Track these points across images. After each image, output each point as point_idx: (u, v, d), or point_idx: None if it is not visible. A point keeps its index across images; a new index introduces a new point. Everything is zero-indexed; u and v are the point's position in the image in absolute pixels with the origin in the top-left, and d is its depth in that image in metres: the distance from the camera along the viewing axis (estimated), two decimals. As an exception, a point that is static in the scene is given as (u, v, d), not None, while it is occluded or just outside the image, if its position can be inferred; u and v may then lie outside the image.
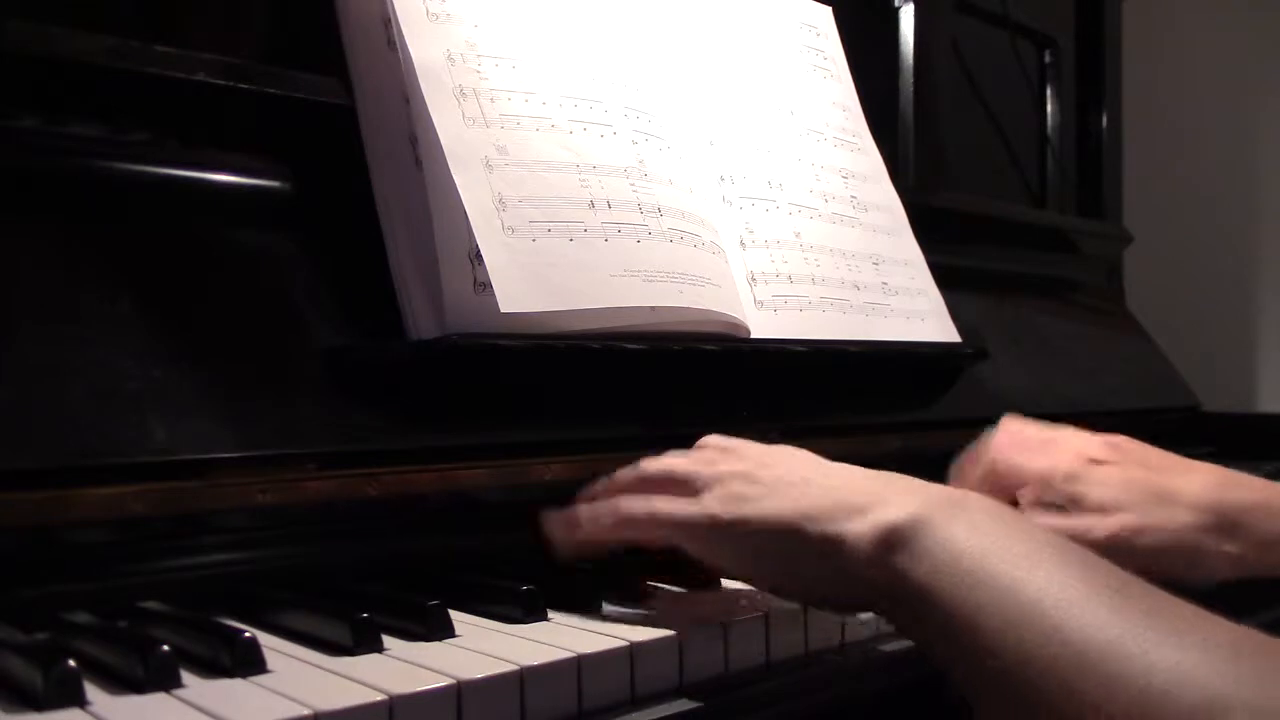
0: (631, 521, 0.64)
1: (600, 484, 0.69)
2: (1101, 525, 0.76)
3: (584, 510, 0.66)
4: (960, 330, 1.13)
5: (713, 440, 0.70)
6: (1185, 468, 0.82)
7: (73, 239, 0.71)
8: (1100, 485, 0.79)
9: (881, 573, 0.56)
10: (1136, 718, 0.45)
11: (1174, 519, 0.77)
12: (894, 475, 0.61)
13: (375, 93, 0.82)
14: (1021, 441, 0.84)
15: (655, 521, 0.63)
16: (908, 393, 1.11)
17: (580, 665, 0.55)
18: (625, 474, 0.68)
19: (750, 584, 0.66)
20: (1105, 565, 0.53)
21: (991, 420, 0.91)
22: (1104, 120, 1.71)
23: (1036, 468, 0.81)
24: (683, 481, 0.65)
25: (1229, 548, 0.77)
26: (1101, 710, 0.46)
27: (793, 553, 0.59)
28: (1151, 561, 0.73)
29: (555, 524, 0.67)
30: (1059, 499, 0.80)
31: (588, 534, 0.66)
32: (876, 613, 0.61)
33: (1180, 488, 0.79)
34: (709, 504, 0.62)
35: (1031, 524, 0.57)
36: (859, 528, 0.57)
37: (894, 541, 0.55)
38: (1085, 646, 0.47)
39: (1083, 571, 0.52)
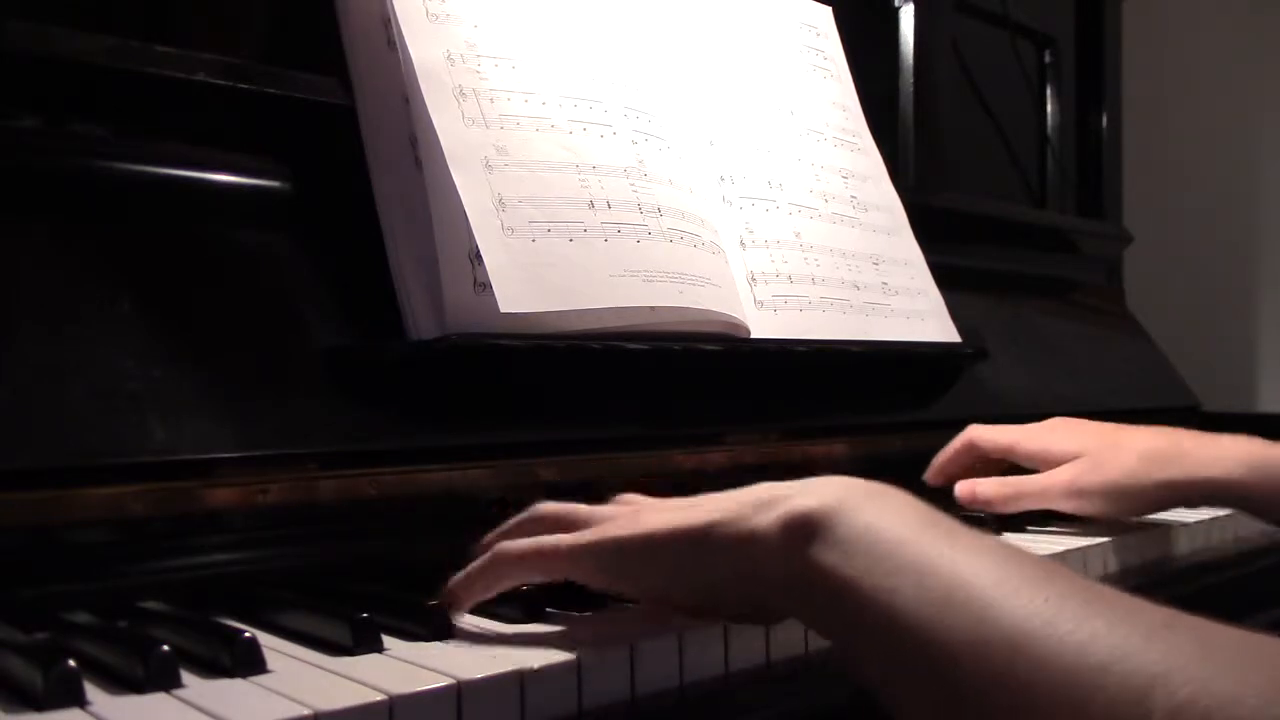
0: (514, 562, 0.60)
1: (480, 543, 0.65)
2: (1063, 471, 0.91)
3: (458, 577, 0.61)
4: (960, 330, 1.13)
5: (622, 496, 0.67)
6: (1137, 428, 0.96)
7: (73, 239, 0.71)
8: (1063, 437, 0.94)
9: (794, 565, 0.53)
10: (1068, 697, 0.43)
11: (1119, 459, 0.90)
12: (807, 479, 0.58)
13: (375, 93, 0.82)
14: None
15: (541, 555, 0.59)
16: (908, 393, 1.11)
17: (580, 665, 0.55)
18: (509, 524, 0.64)
19: (657, 601, 0.62)
20: (1027, 554, 0.51)
21: (992, 421, 0.93)
22: (1104, 120, 1.71)
23: (1009, 436, 0.95)
24: (575, 520, 0.62)
25: (1162, 475, 0.90)
26: (1034, 690, 0.44)
27: (702, 558, 0.56)
28: (1107, 497, 0.90)
29: (443, 604, 0.61)
30: (1028, 459, 0.94)
31: (468, 597, 0.61)
32: (793, 613, 0.57)
33: (1126, 435, 0.93)
34: (607, 528, 0.59)
35: (947, 516, 0.54)
36: (767, 520, 0.54)
37: (806, 531, 0.53)
38: (1016, 628, 0.45)
39: (1004, 555, 0.50)
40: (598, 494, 0.71)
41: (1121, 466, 0.90)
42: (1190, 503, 0.94)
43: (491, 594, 0.61)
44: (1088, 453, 0.91)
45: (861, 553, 0.51)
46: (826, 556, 0.52)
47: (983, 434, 0.97)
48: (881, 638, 0.49)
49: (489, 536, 0.64)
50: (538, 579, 0.62)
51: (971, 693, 0.46)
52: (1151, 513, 0.95)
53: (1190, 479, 0.90)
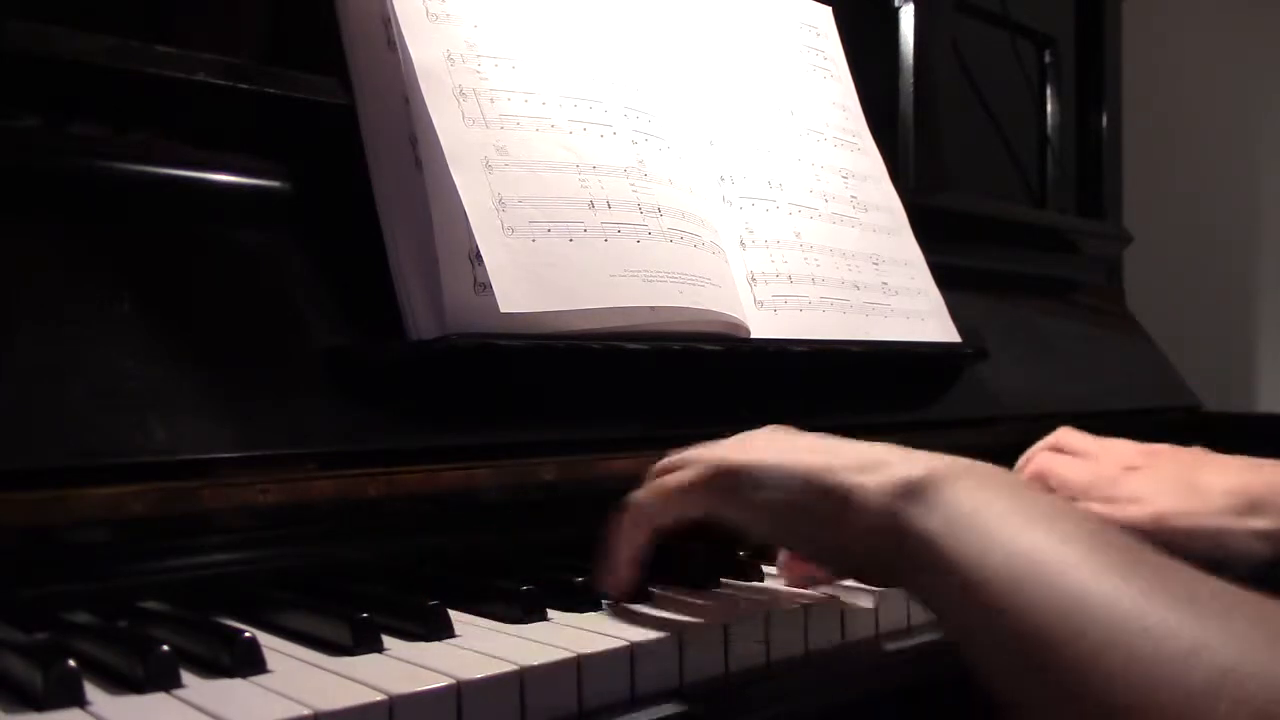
0: (646, 506, 0.65)
1: None
2: (1137, 511, 0.82)
3: (609, 541, 0.66)
4: (960, 330, 1.13)
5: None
6: (1214, 461, 0.88)
7: (73, 239, 0.71)
8: (1134, 485, 0.85)
9: (892, 523, 0.56)
10: (1145, 680, 0.45)
11: (1202, 504, 0.82)
12: (890, 445, 0.62)
13: (375, 93, 0.82)
14: (1068, 455, 0.92)
15: (667, 493, 0.64)
16: (908, 393, 1.11)
17: (580, 665, 0.55)
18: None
19: (760, 537, 0.67)
20: (1118, 534, 0.53)
21: (992, 420, 0.93)
22: (1104, 120, 1.71)
23: (1079, 479, 0.87)
24: (687, 459, 0.66)
25: (1258, 524, 0.81)
26: (1112, 671, 0.45)
27: (807, 500, 0.60)
28: (1185, 545, 0.78)
29: (601, 578, 0.67)
30: (1098, 503, 0.86)
31: (622, 554, 0.66)
32: (880, 568, 0.61)
33: (1208, 477, 0.85)
34: (718, 457, 0.64)
35: (1045, 494, 0.58)
36: (875, 479, 0.57)
37: (909, 493, 0.56)
38: (1100, 609, 0.47)
39: (1100, 538, 0.51)
40: (598, 494, 0.71)
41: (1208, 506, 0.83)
42: None
43: (638, 547, 0.65)
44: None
45: (959, 522, 0.54)
46: (926, 522, 0.55)
47: (1054, 467, 0.91)
48: (971, 605, 0.52)
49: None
50: (666, 521, 0.65)
51: (1059, 673, 0.47)
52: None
53: None
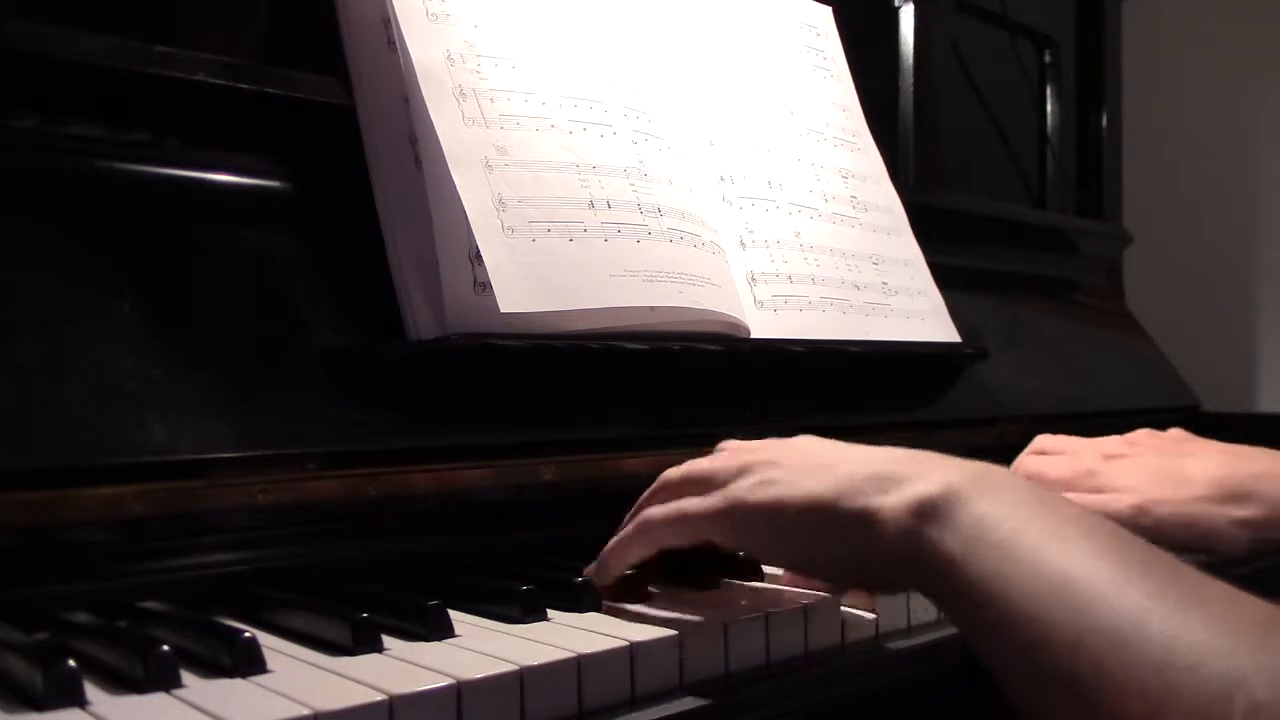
0: (659, 527, 0.65)
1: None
2: (1118, 501, 0.82)
3: (611, 544, 0.67)
4: (960, 330, 1.13)
5: (730, 443, 0.70)
6: (1197, 448, 0.88)
7: (72, 239, 0.71)
8: (1115, 474, 0.85)
9: (914, 545, 0.56)
10: (1156, 693, 0.45)
11: (1184, 492, 0.82)
12: (916, 451, 0.62)
13: (375, 93, 0.82)
14: (1045, 456, 0.92)
15: (684, 519, 0.64)
16: (908, 393, 1.11)
17: (580, 665, 0.55)
18: (646, 493, 0.69)
19: (781, 565, 0.68)
20: (1132, 539, 0.53)
21: (991, 420, 0.93)
22: (1104, 120, 1.71)
23: (1059, 473, 0.87)
24: (705, 479, 0.65)
25: (1240, 513, 0.81)
26: (1125, 687, 0.46)
27: (826, 530, 0.60)
28: (1168, 535, 0.79)
29: (593, 573, 0.67)
30: (1080, 494, 0.85)
31: (620, 561, 0.66)
32: (908, 586, 0.61)
33: (1190, 465, 0.84)
34: (736, 491, 0.63)
35: (1062, 499, 0.58)
36: (892, 501, 0.57)
37: (927, 513, 0.56)
38: (1111, 623, 0.48)
39: (1112, 545, 0.52)
40: (598, 494, 0.71)
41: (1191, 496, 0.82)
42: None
43: (636, 560, 0.66)
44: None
45: (977, 540, 0.54)
46: (945, 543, 0.55)
47: (1033, 467, 0.90)
48: (991, 622, 0.52)
49: (636, 506, 0.69)
50: (679, 543, 0.65)
51: (1069, 682, 0.48)
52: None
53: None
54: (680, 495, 0.66)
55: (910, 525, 0.56)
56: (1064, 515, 0.55)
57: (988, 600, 0.52)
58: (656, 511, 0.65)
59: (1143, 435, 0.92)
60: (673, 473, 0.68)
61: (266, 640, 0.57)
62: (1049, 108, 1.66)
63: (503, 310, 0.76)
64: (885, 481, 0.58)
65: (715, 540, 0.65)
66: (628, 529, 0.66)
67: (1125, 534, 0.54)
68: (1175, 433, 0.92)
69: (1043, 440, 0.95)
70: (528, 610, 0.62)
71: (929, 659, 0.69)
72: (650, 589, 0.68)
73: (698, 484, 0.66)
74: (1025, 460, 0.93)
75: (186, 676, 0.51)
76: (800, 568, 0.67)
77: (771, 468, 0.63)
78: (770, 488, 0.62)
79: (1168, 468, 0.85)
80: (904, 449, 0.63)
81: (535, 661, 0.54)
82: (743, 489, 0.63)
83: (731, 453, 0.67)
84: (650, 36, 0.99)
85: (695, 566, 0.71)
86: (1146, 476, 0.84)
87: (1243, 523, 0.82)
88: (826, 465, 0.61)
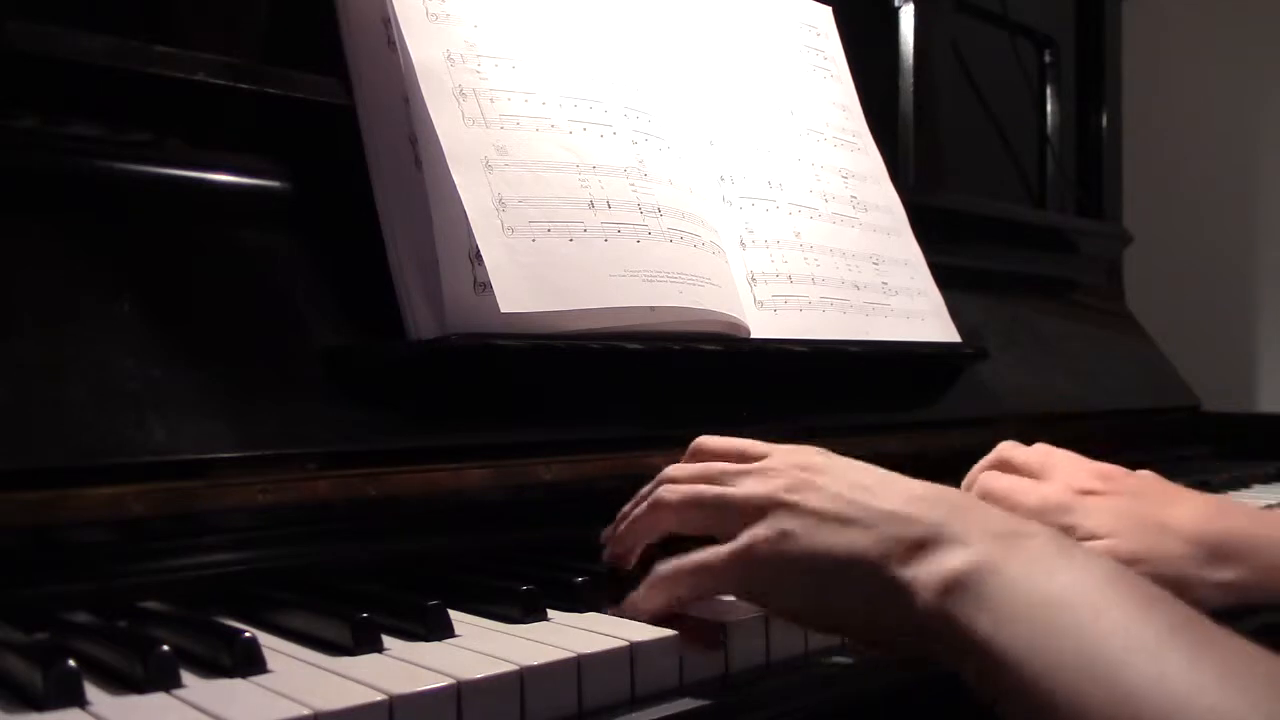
0: (673, 580, 0.62)
1: (619, 530, 0.67)
2: (1094, 547, 0.76)
3: (637, 597, 0.63)
4: (960, 330, 1.13)
5: (712, 444, 0.68)
6: (1176, 496, 0.83)
7: (73, 239, 0.71)
8: (1092, 515, 0.80)
9: (942, 620, 0.54)
10: None
11: (1164, 548, 0.78)
12: (938, 495, 0.59)
13: (375, 93, 0.82)
14: (1013, 475, 0.85)
15: (696, 576, 0.61)
16: (908, 393, 1.11)
17: (580, 665, 0.55)
18: (641, 511, 0.66)
19: (796, 623, 0.64)
20: (1163, 598, 0.52)
21: (991, 420, 0.92)
22: (1104, 120, 1.71)
23: (1029, 503, 0.81)
24: (714, 507, 0.62)
25: (1222, 576, 0.78)
26: None
27: (850, 597, 0.57)
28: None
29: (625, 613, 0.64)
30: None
31: (649, 614, 0.62)
32: (927, 654, 0.57)
33: (1171, 517, 0.80)
34: (755, 544, 0.59)
35: (1089, 553, 0.56)
36: (921, 575, 0.55)
37: (956, 588, 0.54)
38: (1161, 704, 0.47)
39: (1147, 613, 0.51)
40: (598, 494, 0.71)
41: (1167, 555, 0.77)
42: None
43: (664, 612, 0.62)
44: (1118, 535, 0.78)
45: (1011, 620, 0.52)
46: (977, 620, 0.53)
47: (1000, 488, 0.84)
48: (1031, 704, 0.51)
49: (632, 523, 0.66)
50: (690, 598, 0.62)
51: None
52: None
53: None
54: (683, 523, 0.63)
55: (940, 602, 0.54)
56: (1097, 573, 0.53)
57: (1023, 679, 0.51)
58: (670, 568, 0.62)
59: (1116, 471, 0.86)
60: (669, 496, 0.64)
61: (266, 640, 0.57)
62: (1049, 108, 1.66)
63: (503, 310, 0.76)
64: (916, 549, 0.55)
65: (734, 595, 0.63)
66: (641, 591, 0.63)
67: (1153, 589, 0.53)
68: (1147, 474, 0.87)
69: (1008, 450, 0.88)
70: (528, 610, 0.62)
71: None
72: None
73: (702, 512, 0.63)
74: (991, 478, 0.86)
75: (186, 676, 0.51)
76: (825, 630, 0.63)
77: (790, 514, 0.59)
78: (794, 542, 0.58)
79: (1148, 514, 0.80)
80: (921, 489, 0.59)
81: (535, 661, 0.53)
82: (762, 540, 0.59)
83: (733, 474, 0.63)
84: (650, 36, 0.99)
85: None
86: (1125, 523, 0.79)
87: (1224, 586, 0.78)
88: (853, 518, 0.58)
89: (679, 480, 0.65)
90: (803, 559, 0.58)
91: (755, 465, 0.63)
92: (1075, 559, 0.55)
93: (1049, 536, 0.56)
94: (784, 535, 0.58)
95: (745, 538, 0.59)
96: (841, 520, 0.58)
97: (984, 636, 0.52)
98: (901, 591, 0.55)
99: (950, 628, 0.53)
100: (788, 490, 0.60)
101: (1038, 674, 0.50)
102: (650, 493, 0.66)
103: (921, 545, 0.55)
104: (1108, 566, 0.54)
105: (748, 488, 0.61)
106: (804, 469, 0.62)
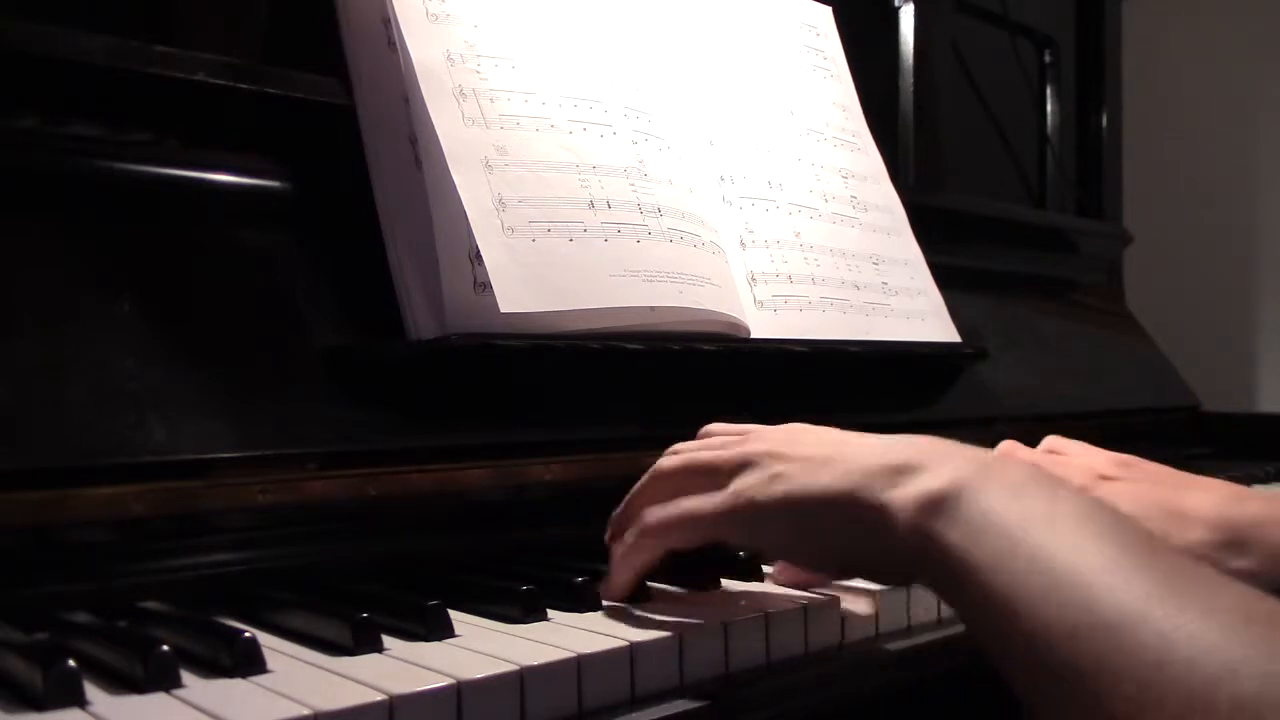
0: (666, 530, 0.64)
1: (621, 508, 0.68)
2: None
3: (619, 554, 0.66)
4: (960, 330, 1.13)
5: (719, 427, 0.70)
6: (1194, 484, 0.84)
7: (73, 239, 0.71)
8: (1113, 500, 0.80)
9: (919, 537, 0.56)
10: (1152, 686, 0.45)
11: (1185, 535, 0.78)
12: (916, 437, 0.61)
13: (375, 93, 0.82)
14: (1050, 455, 0.87)
15: (692, 522, 0.63)
16: (908, 393, 1.11)
17: (580, 665, 0.55)
18: (642, 484, 0.68)
19: (794, 561, 0.68)
20: (1137, 530, 0.53)
21: (991, 420, 0.92)
22: (1104, 120, 1.71)
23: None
24: (706, 472, 0.64)
25: (1240, 563, 0.78)
26: (1121, 679, 0.46)
27: (843, 525, 0.59)
28: None
29: (606, 592, 0.66)
30: None
31: (631, 571, 0.65)
32: (917, 579, 0.61)
33: (1191, 504, 0.80)
34: (744, 489, 0.62)
35: (1064, 486, 0.57)
36: (900, 496, 0.57)
37: (932, 506, 0.55)
38: (1112, 618, 0.48)
39: (1115, 536, 0.52)
40: (598, 494, 0.71)
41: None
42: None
43: (646, 566, 0.65)
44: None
45: (983, 535, 0.54)
46: (951, 536, 0.54)
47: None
48: (995, 616, 0.52)
49: (620, 511, 0.68)
50: (687, 545, 0.65)
51: (1071, 675, 0.48)
52: None
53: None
54: (679, 488, 0.65)
55: (917, 519, 0.56)
56: (1068, 502, 0.54)
57: (990, 592, 0.52)
58: (661, 513, 0.64)
59: (1135, 460, 0.87)
60: (667, 463, 0.67)
61: (266, 640, 0.57)
62: (1049, 108, 1.66)
63: (503, 310, 0.76)
64: (895, 474, 0.58)
65: (726, 540, 0.65)
66: (633, 536, 0.65)
67: (1131, 525, 0.53)
68: (1165, 468, 0.88)
69: (1009, 449, 0.89)
70: (528, 610, 0.62)
71: (929, 659, 0.69)
72: (650, 589, 0.68)
73: (698, 477, 0.65)
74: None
75: (186, 676, 0.51)
76: (815, 564, 0.66)
77: (777, 460, 0.62)
78: (781, 483, 0.61)
79: (1166, 500, 0.81)
80: (901, 436, 0.62)
81: (535, 661, 0.53)
82: (751, 485, 0.62)
83: (729, 442, 0.66)
84: (650, 36, 0.99)
85: (694, 566, 0.71)
86: (1144, 508, 0.80)
87: (1241, 572, 0.77)
88: (834, 458, 0.61)
89: (679, 453, 0.67)
90: (791, 495, 0.60)
91: (749, 430, 0.67)
92: (1055, 489, 0.56)
93: (1030, 469, 0.58)
94: (773, 478, 0.61)
95: (736, 483, 0.62)
96: (826, 461, 0.61)
97: (958, 553, 0.54)
98: (883, 512, 0.57)
99: (927, 546, 0.55)
100: (777, 445, 0.63)
101: (1003, 587, 0.51)
102: (624, 516, 0.68)
103: (901, 470, 0.58)
104: (1089, 500, 0.55)
105: (740, 448, 0.64)
106: (790, 432, 0.65)
